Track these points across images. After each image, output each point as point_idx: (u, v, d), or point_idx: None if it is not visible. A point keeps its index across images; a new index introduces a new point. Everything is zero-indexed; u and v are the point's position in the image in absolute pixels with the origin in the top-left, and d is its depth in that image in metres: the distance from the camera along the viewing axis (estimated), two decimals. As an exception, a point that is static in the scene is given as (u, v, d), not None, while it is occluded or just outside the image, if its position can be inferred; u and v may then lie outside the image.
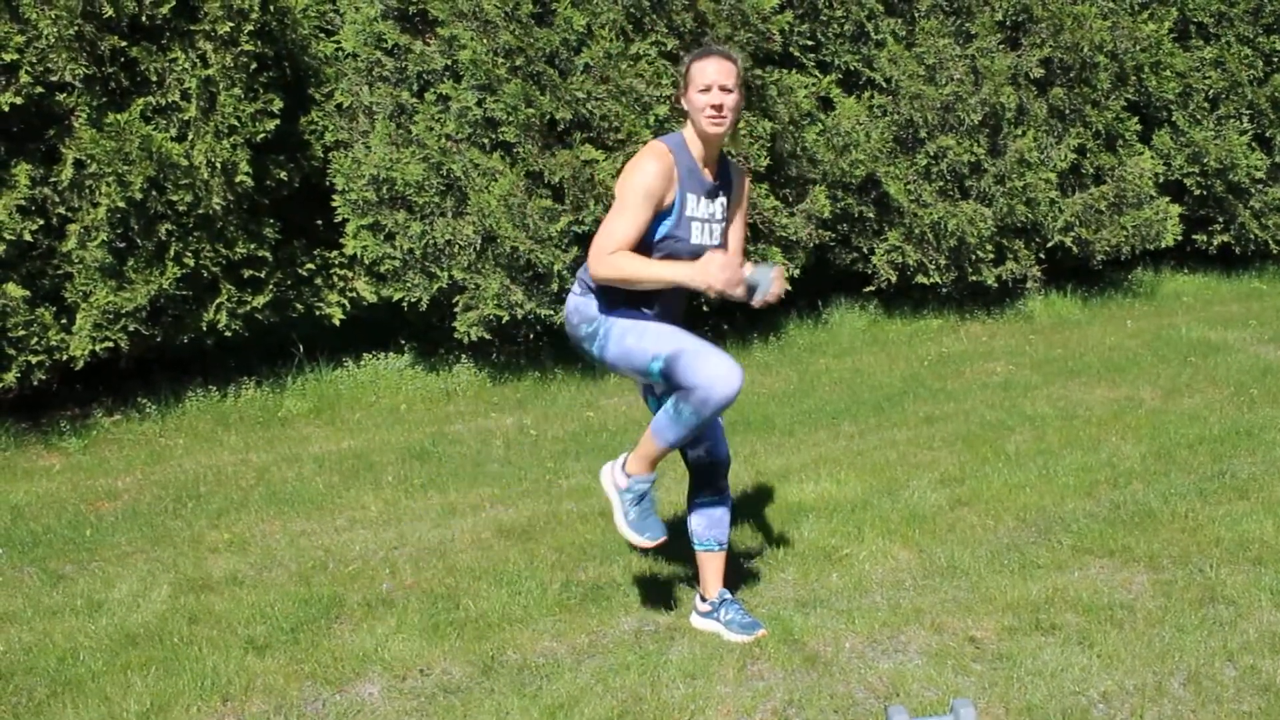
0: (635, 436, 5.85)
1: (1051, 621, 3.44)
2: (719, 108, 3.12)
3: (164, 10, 6.34)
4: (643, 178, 3.09)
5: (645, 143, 6.93)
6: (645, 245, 3.15)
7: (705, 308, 8.09)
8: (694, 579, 3.68)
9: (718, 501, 3.51)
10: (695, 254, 3.19)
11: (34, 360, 6.23)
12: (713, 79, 3.12)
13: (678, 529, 4.16)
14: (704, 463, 3.44)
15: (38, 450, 6.25)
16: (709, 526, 3.52)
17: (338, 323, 7.48)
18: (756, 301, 3.16)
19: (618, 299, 3.22)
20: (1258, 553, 3.90)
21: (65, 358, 6.37)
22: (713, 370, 3.00)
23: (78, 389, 7.05)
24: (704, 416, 3.05)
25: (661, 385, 3.18)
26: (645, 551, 4.05)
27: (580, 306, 3.27)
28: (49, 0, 6.02)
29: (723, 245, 3.33)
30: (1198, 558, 3.89)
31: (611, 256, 3.05)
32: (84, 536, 4.75)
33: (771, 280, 3.13)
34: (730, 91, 3.13)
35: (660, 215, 3.14)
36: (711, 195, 3.27)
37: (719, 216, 3.29)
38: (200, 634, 3.66)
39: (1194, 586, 3.65)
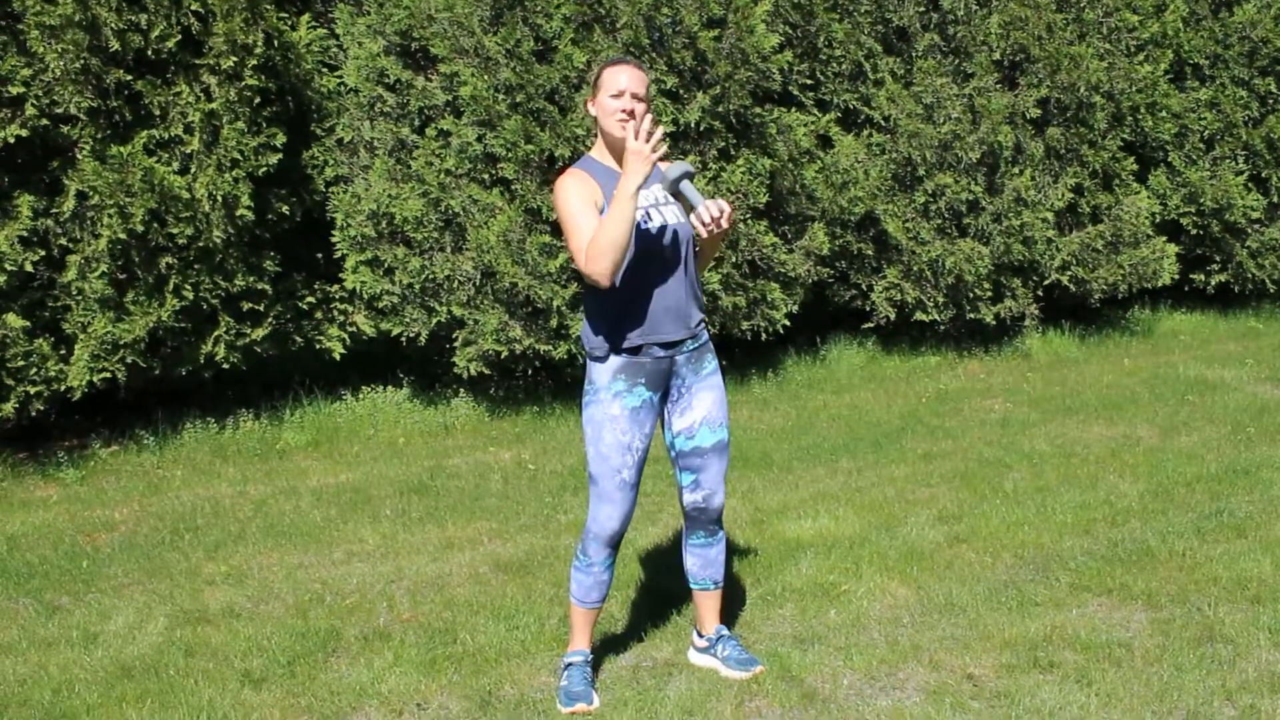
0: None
1: (1050, 659, 3.43)
2: (630, 113, 3.17)
3: (169, 44, 6.40)
4: (570, 192, 3.16)
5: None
6: None
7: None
8: (692, 614, 3.67)
9: (712, 542, 3.51)
10: (658, 239, 3.21)
11: (32, 391, 6.23)
12: (625, 86, 3.18)
13: (677, 564, 4.16)
14: (699, 508, 3.44)
15: (35, 481, 6.24)
16: (704, 566, 3.52)
17: (338, 357, 7.49)
18: (700, 213, 3.11)
19: (611, 338, 3.22)
20: (1256, 591, 3.90)
21: (63, 388, 6.37)
22: (597, 510, 3.29)
23: (76, 420, 7.05)
24: (585, 550, 3.34)
25: None
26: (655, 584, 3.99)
27: (589, 367, 3.32)
28: (56, 34, 6.07)
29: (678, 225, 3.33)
30: (1196, 596, 3.88)
31: (593, 250, 3.06)
32: (80, 568, 4.74)
33: (711, 200, 3.12)
34: (641, 100, 3.19)
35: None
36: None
37: (661, 201, 3.29)
38: (196, 667, 3.64)
39: (1192, 625, 3.65)
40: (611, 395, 3.22)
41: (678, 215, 3.29)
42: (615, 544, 3.33)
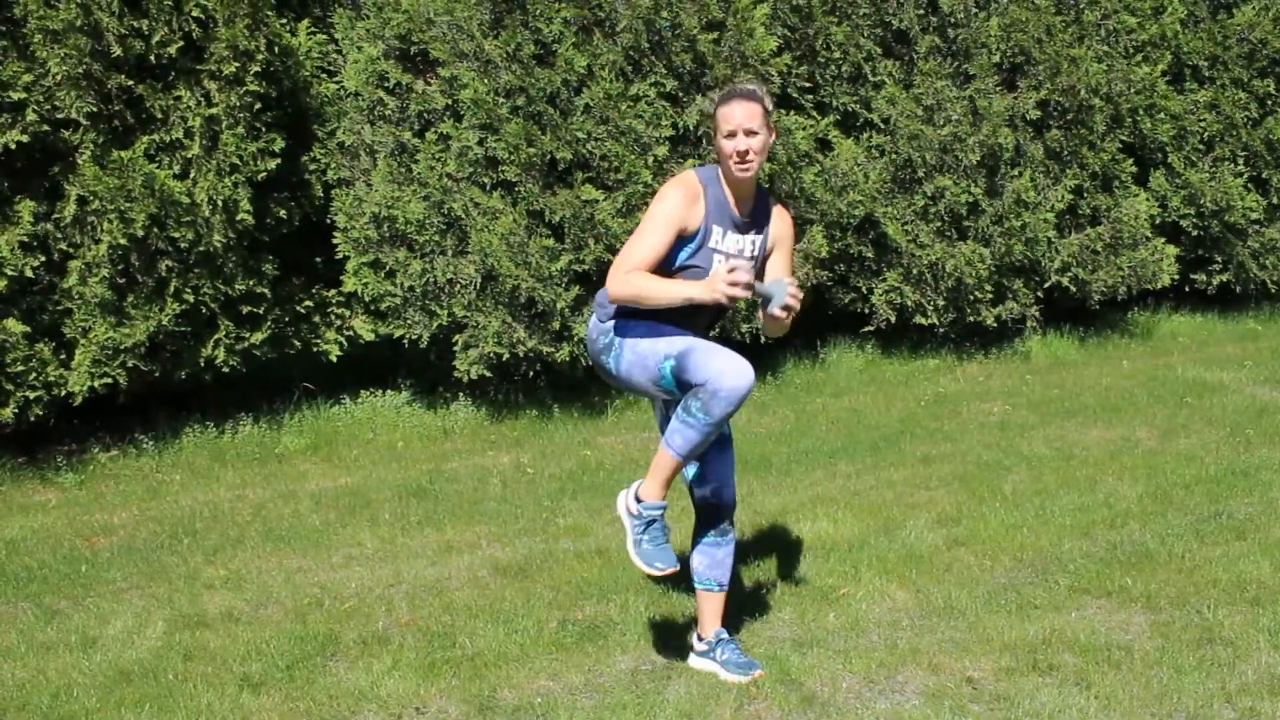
0: (632, 476, 5.85)
1: (1049, 662, 3.43)
2: (744, 154, 3.17)
3: (171, 50, 6.40)
4: (666, 204, 3.18)
5: (644, 183, 7.01)
6: (667, 272, 3.19)
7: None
8: (691, 618, 3.67)
9: (721, 542, 3.51)
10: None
11: (32, 396, 6.23)
12: (737, 124, 3.17)
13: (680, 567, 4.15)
14: (710, 503, 3.45)
15: (34, 485, 6.24)
16: (710, 567, 3.52)
17: (335, 359, 7.48)
18: (774, 310, 3.13)
19: (634, 322, 3.24)
20: (1255, 593, 3.90)
21: (64, 393, 6.38)
22: (722, 363, 3.02)
23: (75, 424, 7.05)
24: (713, 415, 3.03)
25: (673, 395, 3.19)
26: (657, 580, 3.97)
27: (598, 328, 3.33)
28: (58, 39, 6.08)
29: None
30: (1195, 598, 3.88)
31: (628, 275, 3.12)
32: (79, 572, 4.74)
33: (785, 288, 3.11)
34: (756, 134, 3.17)
35: (684, 241, 3.19)
36: (742, 230, 3.30)
37: (749, 253, 3.32)
38: (195, 671, 3.64)
39: (1192, 627, 3.65)
40: (647, 327, 3.23)
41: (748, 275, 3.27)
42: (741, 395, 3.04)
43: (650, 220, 3.17)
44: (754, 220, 3.34)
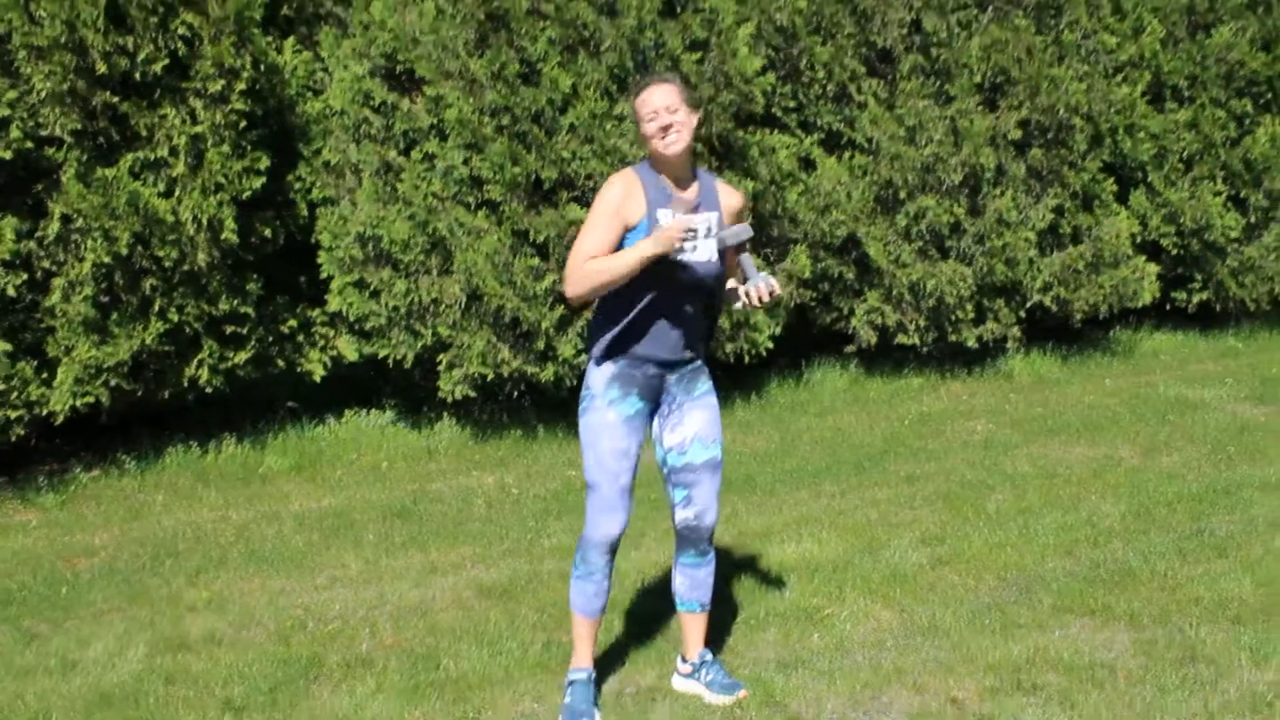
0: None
1: (1033, 681, 3.44)
2: (667, 128, 3.21)
3: (156, 67, 6.40)
4: (603, 200, 3.23)
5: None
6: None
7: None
8: (676, 639, 3.67)
9: (702, 563, 3.52)
10: (692, 269, 3.23)
11: (13, 415, 6.19)
12: (656, 104, 3.22)
13: (661, 589, 4.16)
14: (690, 525, 3.46)
15: (14, 506, 6.19)
16: (692, 588, 3.53)
17: (319, 379, 7.46)
18: (747, 288, 3.18)
19: (611, 342, 3.25)
20: (1237, 611, 3.92)
21: (45, 412, 6.34)
22: (597, 516, 3.30)
23: (57, 444, 7.01)
24: (588, 561, 3.32)
25: None
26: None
27: (587, 372, 3.37)
28: (43, 56, 6.07)
29: (723, 263, 3.35)
30: (1177, 616, 3.90)
31: (580, 272, 3.15)
32: (59, 594, 4.70)
33: (765, 280, 3.16)
34: (675, 110, 3.22)
35: (632, 234, 3.21)
36: (692, 210, 3.31)
37: (713, 232, 3.30)
38: (177, 695, 3.62)
39: (1174, 646, 3.67)
40: (607, 403, 3.28)
41: (704, 253, 3.27)
42: (615, 549, 3.35)
43: (592, 218, 3.22)
44: (701, 198, 3.36)
